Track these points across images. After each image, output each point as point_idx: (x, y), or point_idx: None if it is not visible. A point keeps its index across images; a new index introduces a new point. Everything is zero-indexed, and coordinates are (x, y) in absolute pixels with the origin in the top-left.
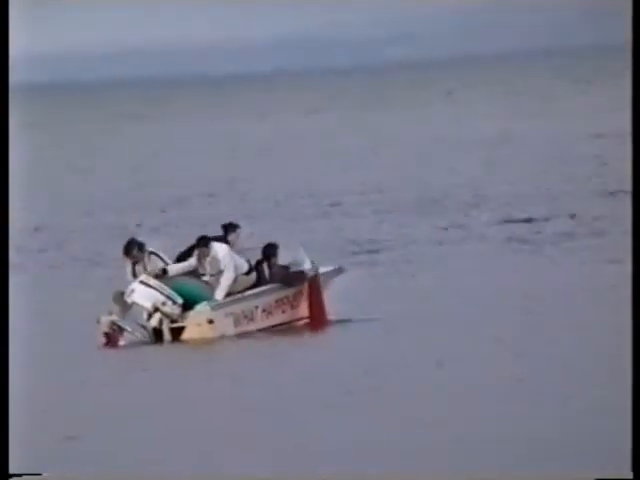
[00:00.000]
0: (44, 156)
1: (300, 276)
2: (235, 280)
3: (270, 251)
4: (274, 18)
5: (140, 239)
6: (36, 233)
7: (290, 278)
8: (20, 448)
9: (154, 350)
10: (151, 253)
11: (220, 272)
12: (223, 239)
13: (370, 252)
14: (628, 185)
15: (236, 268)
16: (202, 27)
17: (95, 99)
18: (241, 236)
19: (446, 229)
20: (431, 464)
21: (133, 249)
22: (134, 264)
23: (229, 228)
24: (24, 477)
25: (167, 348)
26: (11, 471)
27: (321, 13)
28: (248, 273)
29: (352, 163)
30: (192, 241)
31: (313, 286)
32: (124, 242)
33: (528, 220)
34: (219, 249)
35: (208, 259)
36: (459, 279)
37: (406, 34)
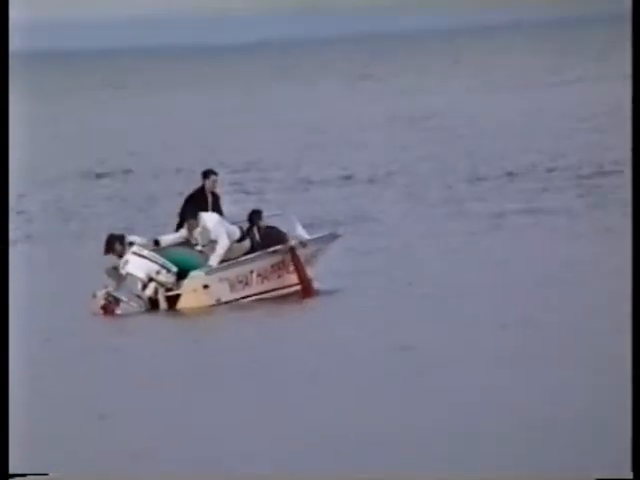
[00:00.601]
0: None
1: (285, 236)
2: (229, 247)
3: (255, 217)
4: None
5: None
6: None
7: (279, 237)
8: (20, 447)
9: (151, 319)
10: (131, 243)
11: (211, 242)
12: (201, 189)
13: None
14: (620, 157)
15: (228, 235)
16: None
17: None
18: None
19: (435, 206)
20: (427, 454)
21: (115, 244)
22: (119, 257)
23: (206, 174)
24: (28, 477)
25: (163, 317)
26: (11, 471)
27: None
28: (241, 240)
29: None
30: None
31: (294, 256)
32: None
33: (518, 194)
34: (208, 219)
35: (198, 229)
36: (449, 257)
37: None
